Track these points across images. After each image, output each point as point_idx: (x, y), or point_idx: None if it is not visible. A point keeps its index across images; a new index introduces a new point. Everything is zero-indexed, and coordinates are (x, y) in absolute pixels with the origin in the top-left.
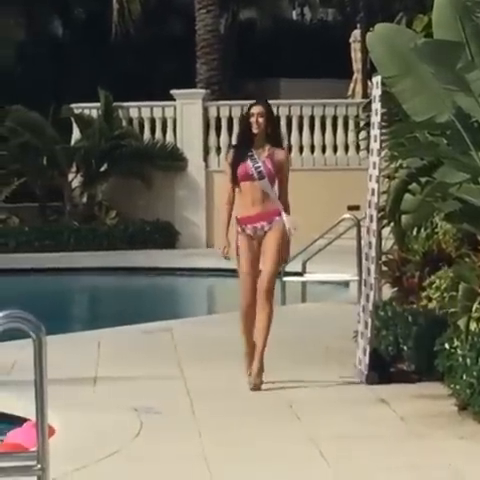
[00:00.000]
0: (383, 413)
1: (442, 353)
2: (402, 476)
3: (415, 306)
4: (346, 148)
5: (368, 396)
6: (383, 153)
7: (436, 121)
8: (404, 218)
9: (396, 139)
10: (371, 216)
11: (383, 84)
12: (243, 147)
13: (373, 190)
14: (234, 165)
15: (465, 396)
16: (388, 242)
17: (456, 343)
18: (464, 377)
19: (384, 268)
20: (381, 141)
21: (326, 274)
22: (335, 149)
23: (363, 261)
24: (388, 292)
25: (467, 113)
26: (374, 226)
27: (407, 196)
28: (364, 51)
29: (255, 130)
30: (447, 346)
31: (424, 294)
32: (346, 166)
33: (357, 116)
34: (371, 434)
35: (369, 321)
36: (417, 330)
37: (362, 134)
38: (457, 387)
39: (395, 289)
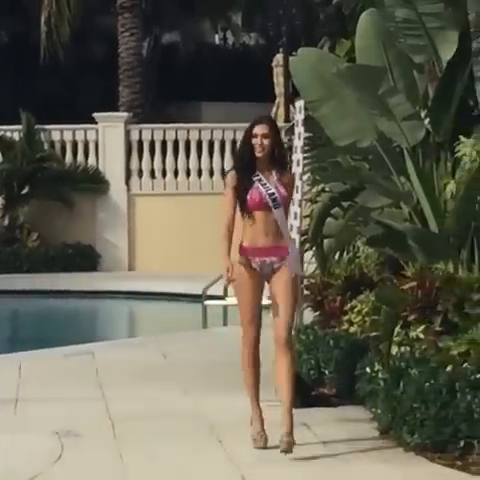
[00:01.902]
0: (305, 437)
1: (363, 377)
2: None
3: (337, 330)
4: None
5: None
6: (305, 177)
7: (358, 146)
8: (326, 242)
9: (318, 163)
10: (293, 240)
11: (306, 108)
12: (246, 171)
13: (295, 214)
14: (242, 191)
15: (386, 420)
16: (310, 266)
17: (377, 367)
18: (385, 401)
19: (306, 292)
20: (303, 165)
21: None
22: None
23: None
24: (310, 316)
25: (389, 138)
26: None
27: (329, 220)
28: (287, 75)
29: (259, 154)
30: (368, 370)
31: (346, 318)
32: None
33: None
34: (294, 458)
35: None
36: (338, 354)
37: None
38: (378, 411)
39: (317, 313)
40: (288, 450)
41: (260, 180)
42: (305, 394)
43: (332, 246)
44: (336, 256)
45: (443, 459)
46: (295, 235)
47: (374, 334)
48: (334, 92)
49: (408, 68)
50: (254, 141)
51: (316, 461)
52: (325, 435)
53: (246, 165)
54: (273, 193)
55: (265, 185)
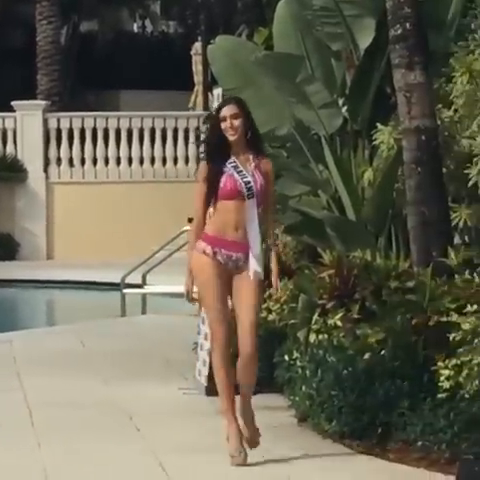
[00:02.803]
0: (223, 425)
1: (282, 365)
2: None
3: None
4: (187, 160)
5: (208, 408)
6: None
7: (276, 133)
8: None
9: None
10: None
11: (224, 96)
12: (220, 157)
13: None
14: (214, 179)
15: (304, 408)
16: None
17: (295, 355)
18: (303, 389)
19: None
20: None
21: (166, 286)
22: (176, 161)
23: None
24: (228, 304)
25: (307, 126)
26: None
27: None
28: (205, 63)
29: (232, 137)
30: (286, 358)
31: (264, 306)
32: (186, 178)
33: (198, 128)
34: (211, 446)
35: (209, 333)
36: (257, 342)
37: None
38: (296, 399)
39: None
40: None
41: (236, 167)
42: None
43: None
44: None
45: (361, 446)
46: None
47: (292, 322)
48: (252, 80)
49: (326, 56)
50: (224, 125)
51: None
52: (242, 423)
53: (218, 151)
54: (249, 181)
55: (241, 172)
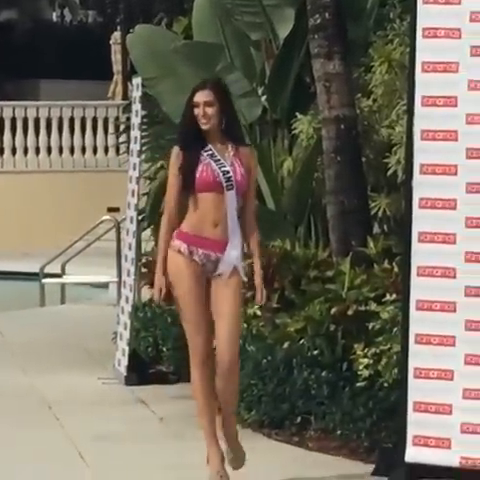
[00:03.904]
0: (142, 414)
1: None
2: (161, 476)
3: (174, 307)
4: (106, 150)
5: (127, 397)
6: (143, 155)
7: None
8: None
9: (156, 140)
10: (131, 218)
11: (143, 85)
12: (195, 144)
13: (133, 191)
14: (189, 168)
15: None
16: (149, 244)
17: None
18: None
19: (144, 269)
20: (141, 143)
21: (85, 276)
22: (95, 151)
23: (122, 262)
24: (148, 293)
25: None
26: (134, 227)
27: None
28: (124, 53)
29: (204, 126)
30: None
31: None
32: (106, 168)
33: (117, 118)
34: (131, 435)
35: (128, 322)
36: (176, 331)
37: (123, 136)
38: None
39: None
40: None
41: (212, 155)
42: (143, 371)
43: None
44: None
45: (280, 435)
46: (132, 213)
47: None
48: (171, 69)
49: (245, 45)
50: (196, 111)
51: (151, 438)
52: (162, 412)
53: (192, 139)
54: (228, 171)
55: (218, 161)
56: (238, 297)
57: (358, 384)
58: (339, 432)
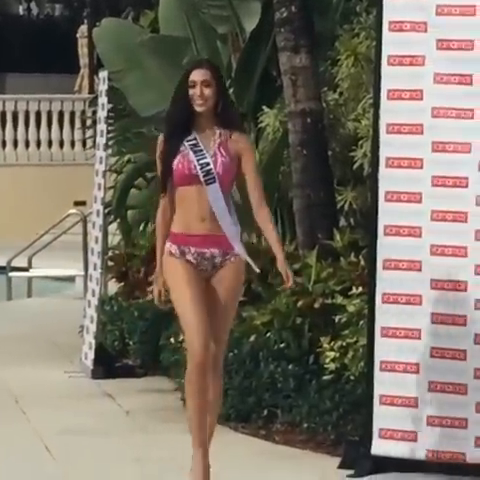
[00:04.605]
0: (109, 407)
1: (167, 347)
2: (127, 469)
3: (141, 301)
4: (73, 144)
5: (94, 391)
6: (110, 149)
7: (162, 116)
8: (130, 213)
9: (123, 134)
10: (97, 211)
11: (109, 79)
12: (179, 132)
13: (99, 185)
14: (167, 159)
15: None
16: (115, 237)
17: (182, 337)
18: None
19: (110, 263)
20: (108, 136)
21: (52, 269)
22: (62, 144)
23: (89, 256)
24: (114, 287)
25: None
26: (100, 221)
27: (133, 191)
28: (91, 46)
29: (199, 108)
30: (173, 340)
31: (150, 289)
32: (73, 161)
33: (84, 111)
34: (97, 428)
35: (95, 316)
36: (143, 325)
37: (90, 130)
38: (182, 381)
39: (121, 284)
40: None
41: (195, 145)
42: (109, 365)
43: (136, 217)
44: (140, 227)
45: (247, 428)
46: (99, 206)
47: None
48: (137, 63)
49: (211, 39)
50: (192, 92)
51: (118, 432)
52: (129, 406)
53: (179, 124)
54: (207, 163)
55: (199, 152)
56: (239, 288)
57: (324, 377)
58: (306, 425)
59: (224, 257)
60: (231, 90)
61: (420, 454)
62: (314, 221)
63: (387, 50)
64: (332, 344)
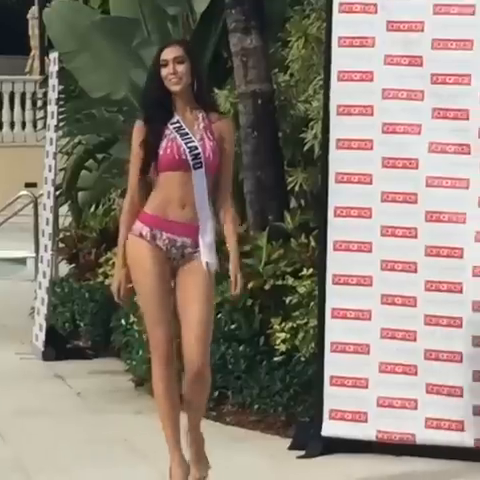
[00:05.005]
0: (60, 389)
1: (118, 329)
2: (80, 451)
3: (92, 282)
4: (23, 125)
5: (45, 372)
6: (61, 130)
7: (112, 98)
8: (81, 195)
9: (73, 115)
10: (48, 193)
11: (60, 60)
12: (160, 115)
13: (50, 166)
14: (153, 145)
15: (141, 372)
16: (66, 219)
17: (132, 319)
18: (140, 353)
19: (61, 245)
20: (59, 118)
21: (3, 251)
22: (12, 126)
23: (40, 238)
24: (65, 269)
25: None
26: (51, 203)
27: (84, 173)
28: (41, 27)
29: (175, 87)
30: (123, 322)
31: (101, 270)
32: (23, 143)
33: (34, 93)
34: (48, 410)
35: (46, 297)
36: (94, 306)
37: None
38: (133, 363)
39: (72, 266)
40: None
41: (179, 128)
42: (60, 347)
43: (87, 199)
44: (91, 209)
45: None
46: (50, 188)
47: (129, 286)
48: (88, 44)
49: (162, 20)
50: (165, 72)
51: (69, 413)
52: (80, 387)
53: (158, 107)
54: (196, 147)
55: (186, 135)
56: (210, 288)
57: (275, 358)
58: (256, 406)
59: (195, 249)
60: None
61: (370, 435)
62: (265, 203)
63: (337, 31)
64: (283, 325)
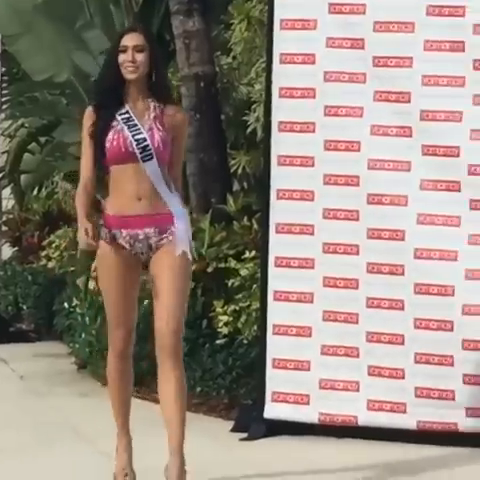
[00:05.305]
0: (2, 372)
1: (61, 312)
2: (22, 434)
3: (35, 265)
4: None
5: None
6: (3, 112)
7: (55, 80)
8: (24, 177)
9: (16, 98)
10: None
11: (3, 43)
12: (110, 104)
13: None
14: (99, 135)
15: (84, 354)
16: (9, 202)
17: (75, 302)
18: (83, 336)
19: (4, 227)
20: (1, 100)
21: None
22: None
23: None
24: (8, 252)
25: (86, 72)
26: None
27: (27, 156)
28: None
29: (131, 75)
30: (66, 305)
31: (44, 253)
32: None
33: None
34: None
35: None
36: (37, 289)
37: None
38: (76, 346)
39: (15, 248)
40: None
41: (128, 119)
42: (3, 330)
43: (29, 182)
44: (34, 191)
45: (141, 392)
46: None
47: (72, 269)
48: (31, 26)
49: (105, 3)
50: (122, 58)
51: (12, 396)
52: (23, 370)
53: (109, 94)
54: (144, 139)
55: (134, 127)
56: (186, 273)
57: (218, 341)
58: (199, 389)
59: (160, 236)
60: None
61: (313, 417)
62: (207, 185)
63: (279, 14)
64: (225, 308)
